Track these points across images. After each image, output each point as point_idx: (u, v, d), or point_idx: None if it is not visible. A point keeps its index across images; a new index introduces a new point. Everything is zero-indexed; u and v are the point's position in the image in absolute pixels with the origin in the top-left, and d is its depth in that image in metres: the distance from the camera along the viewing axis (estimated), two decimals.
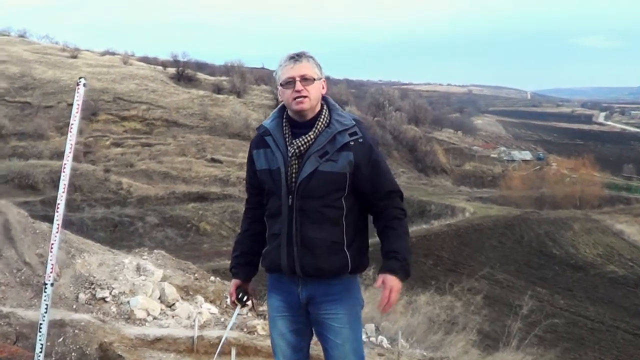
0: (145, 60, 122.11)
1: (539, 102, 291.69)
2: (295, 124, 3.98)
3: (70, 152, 5.14)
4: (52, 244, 5.24)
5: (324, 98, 4.03)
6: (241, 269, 4.28)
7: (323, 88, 4.00)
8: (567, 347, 29.25)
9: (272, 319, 4.23)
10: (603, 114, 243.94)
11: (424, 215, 68.19)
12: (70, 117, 5.27)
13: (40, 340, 5.26)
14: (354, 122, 3.96)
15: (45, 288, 5.23)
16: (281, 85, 3.94)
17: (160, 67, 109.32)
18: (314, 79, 3.91)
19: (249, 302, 4.32)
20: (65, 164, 5.17)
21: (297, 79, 3.86)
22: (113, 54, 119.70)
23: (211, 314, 9.66)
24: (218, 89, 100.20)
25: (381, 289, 3.89)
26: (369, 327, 12.41)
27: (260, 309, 9.33)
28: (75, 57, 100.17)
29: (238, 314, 4.68)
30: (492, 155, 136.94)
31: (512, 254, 55.03)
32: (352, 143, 3.87)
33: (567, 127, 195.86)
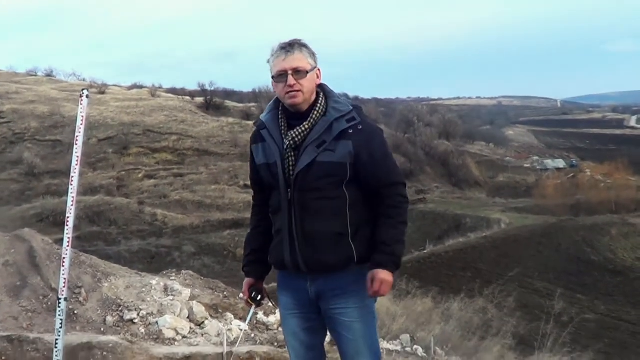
0: (173, 91, 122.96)
1: (570, 110, 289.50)
2: (291, 115, 3.86)
3: (77, 164, 5.12)
4: (64, 258, 5.20)
5: (320, 85, 3.90)
6: (253, 267, 4.20)
7: (318, 77, 3.87)
8: (609, 351, 28.90)
9: (283, 317, 4.16)
10: (634, 117, 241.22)
11: (460, 229, 68.13)
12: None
13: (57, 356, 5.21)
14: (352, 108, 3.84)
15: (59, 303, 5.19)
16: (273, 78, 3.82)
17: (188, 98, 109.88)
18: (307, 71, 3.77)
19: (264, 301, 4.25)
20: (72, 176, 5.15)
21: (289, 72, 3.73)
22: (141, 87, 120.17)
23: (241, 330, 9.59)
24: (247, 116, 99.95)
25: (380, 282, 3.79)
26: (404, 338, 12.27)
27: None
28: (103, 92, 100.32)
29: (254, 313, 4.61)
30: (526, 165, 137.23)
31: (550, 262, 54.67)
32: (350, 131, 3.74)
33: (599, 133, 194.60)
